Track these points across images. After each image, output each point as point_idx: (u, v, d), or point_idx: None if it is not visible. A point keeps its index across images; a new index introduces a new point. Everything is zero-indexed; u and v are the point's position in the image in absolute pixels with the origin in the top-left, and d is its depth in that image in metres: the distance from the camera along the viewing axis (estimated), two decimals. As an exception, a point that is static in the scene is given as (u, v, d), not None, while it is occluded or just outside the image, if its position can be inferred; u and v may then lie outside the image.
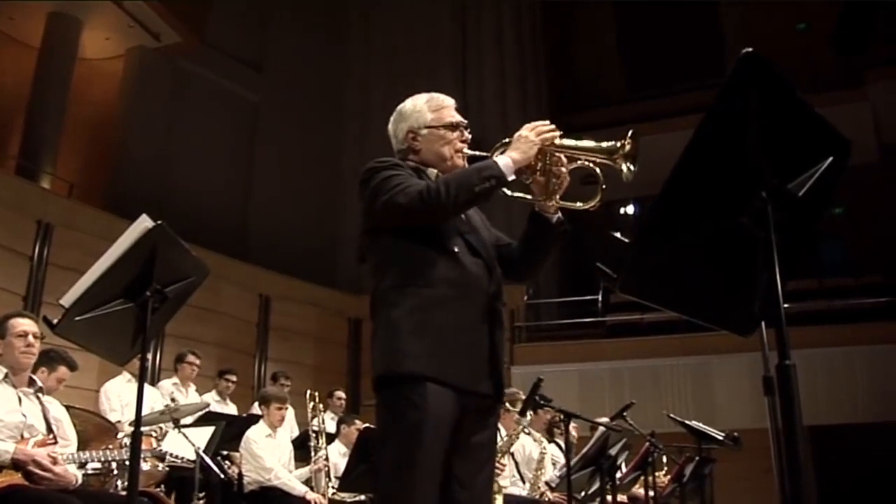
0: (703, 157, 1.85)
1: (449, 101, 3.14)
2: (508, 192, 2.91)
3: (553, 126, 2.91)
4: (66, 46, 13.54)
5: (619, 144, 2.75)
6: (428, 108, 3.09)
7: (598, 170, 2.86)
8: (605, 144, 2.80)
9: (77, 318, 3.26)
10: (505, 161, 2.80)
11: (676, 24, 18.44)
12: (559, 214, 3.00)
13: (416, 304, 2.76)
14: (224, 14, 15.36)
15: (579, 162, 2.88)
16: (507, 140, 2.92)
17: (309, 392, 7.96)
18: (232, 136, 15.53)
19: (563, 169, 2.90)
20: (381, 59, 17.57)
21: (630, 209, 19.00)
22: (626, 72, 19.71)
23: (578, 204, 2.96)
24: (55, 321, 3.30)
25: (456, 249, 2.86)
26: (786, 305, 1.84)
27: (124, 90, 14.37)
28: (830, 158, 1.96)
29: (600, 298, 14.87)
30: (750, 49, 1.81)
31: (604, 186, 2.89)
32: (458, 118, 3.10)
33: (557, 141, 2.88)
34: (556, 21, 19.57)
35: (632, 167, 2.75)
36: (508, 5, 18.31)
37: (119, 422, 6.91)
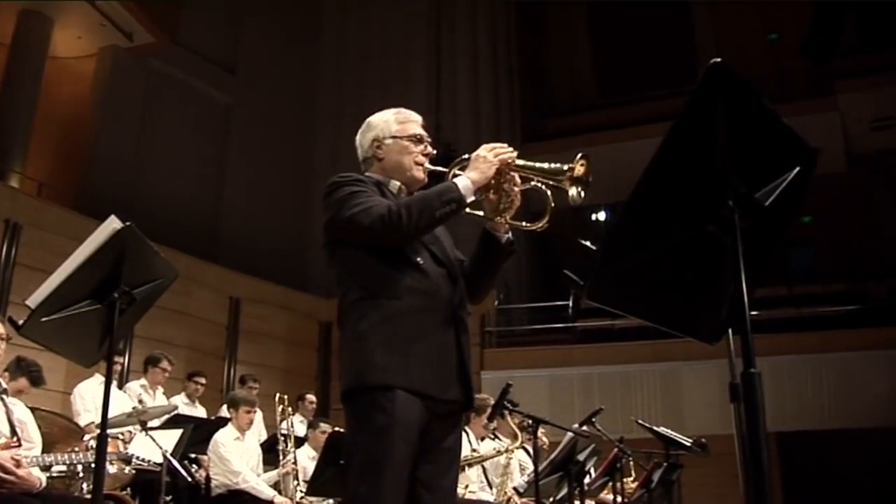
0: (670, 166, 1.86)
1: (416, 117, 3.21)
2: None
3: (510, 148, 2.96)
4: (38, 45, 13.41)
5: (566, 168, 2.79)
6: (395, 119, 3.16)
7: (548, 192, 2.90)
8: (554, 167, 2.84)
9: (43, 319, 3.24)
10: (464, 182, 2.85)
11: (650, 32, 18.57)
12: (509, 235, 3.06)
13: (384, 316, 2.80)
14: (197, 15, 15.28)
15: (532, 183, 2.92)
16: (465, 156, 2.97)
17: (278, 395, 7.93)
18: (204, 137, 15.45)
19: (516, 188, 2.94)
20: (355, 62, 17.56)
21: (602, 215, 19.07)
22: (600, 78, 19.81)
23: (526, 224, 3.03)
24: (21, 322, 3.27)
25: (420, 260, 2.90)
26: (754, 313, 1.86)
27: (96, 90, 14.24)
28: (797, 168, 1.97)
29: (571, 304, 14.93)
30: (718, 59, 1.83)
31: (552, 205, 2.92)
32: (422, 132, 3.16)
33: (514, 162, 2.93)
34: (530, 27, 19.64)
35: (581, 192, 2.80)
36: (482, 10, 18.36)
37: (91, 423, 6.85)
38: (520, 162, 2.93)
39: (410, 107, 3.25)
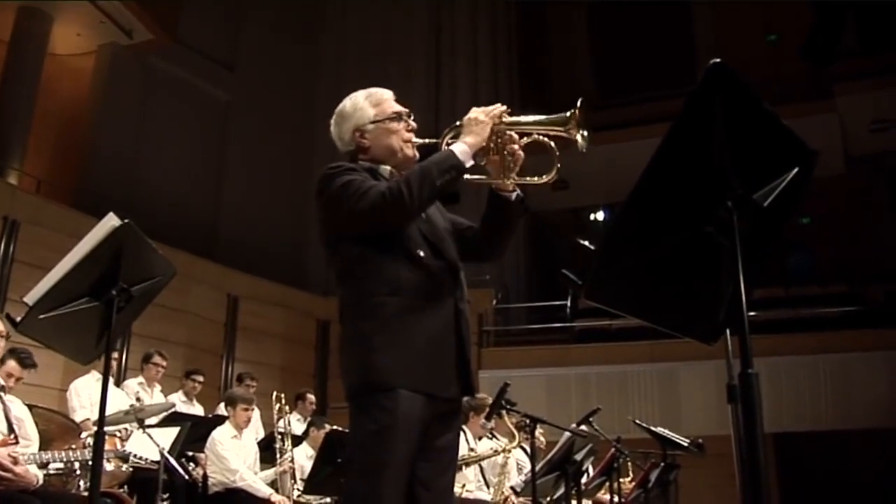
0: (669, 166, 1.86)
1: (388, 94, 3.13)
2: (465, 175, 2.90)
3: (500, 103, 2.92)
4: (37, 42, 13.38)
5: (568, 114, 2.77)
6: (369, 103, 3.07)
7: (552, 143, 2.86)
8: (554, 116, 2.81)
9: (41, 317, 3.23)
10: (461, 148, 2.80)
11: (649, 33, 18.56)
12: (518, 192, 3.00)
13: (385, 315, 2.76)
14: (196, 12, 15.24)
15: (533, 137, 2.88)
16: (457, 123, 2.92)
17: (275, 393, 7.93)
18: (202, 135, 15.43)
19: (517, 146, 2.89)
20: (355, 61, 17.52)
21: (600, 215, 19.08)
22: (599, 79, 19.80)
23: (535, 178, 2.96)
24: (18, 319, 3.27)
25: (421, 254, 2.86)
26: (752, 314, 1.86)
27: (95, 87, 14.22)
28: (796, 169, 1.97)
29: (569, 304, 14.93)
30: (718, 59, 1.83)
31: (558, 165, 2.89)
32: (399, 108, 3.08)
33: (507, 118, 2.88)
34: (530, 27, 19.64)
35: (585, 134, 2.76)
36: (483, 10, 18.35)
37: (87, 420, 6.86)
38: (515, 118, 2.89)
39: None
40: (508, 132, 2.88)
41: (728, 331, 2.10)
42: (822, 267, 17.33)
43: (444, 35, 18.20)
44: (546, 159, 2.93)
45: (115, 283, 3.26)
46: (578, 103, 2.77)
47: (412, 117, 3.11)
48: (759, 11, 17.69)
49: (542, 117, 2.85)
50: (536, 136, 2.87)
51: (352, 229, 2.85)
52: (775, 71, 16.06)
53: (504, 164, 2.91)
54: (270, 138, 16.07)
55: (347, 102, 3.12)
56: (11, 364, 5.14)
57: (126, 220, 3.26)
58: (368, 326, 2.76)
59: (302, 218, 15.63)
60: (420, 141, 3.05)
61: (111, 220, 3.25)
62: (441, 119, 16.30)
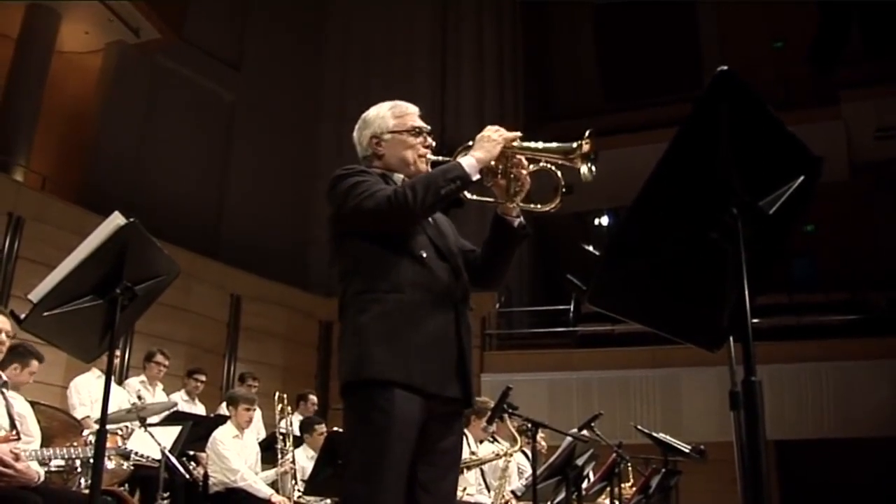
0: (674, 172, 1.86)
1: (412, 109, 3.18)
2: (469, 195, 2.94)
3: (515, 130, 2.95)
4: (45, 39, 13.40)
5: (575, 145, 2.78)
6: (391, 114, 3.12)
7: (558, 172, 2.90)
8: (562, 145, 2.83)
9: (45, 314, 3.23)
10: (469, 161, 2.84)
11: (655, 37, 18.55)
12: (521, 218, 3.03)
13: (384, 310, 2.78)
14: (203, 11, 15.27)
15: (540, 164, 2.91)
16: (469, 143, 2.96)
17: (277, 394, 7.92)
18: (207, 134, 15.42)
19: (524, 171, 2.93)
20: (360, 61, 17.54)
21: (605, 220, 19.08)
22: (604, 83, 19.79)
23: (538, 206, 2.99)
24: (23, 316, 3.27)
25: (424, 254, 2.89)
26: (755, 320, 1.85)
27: (101, 85, 14.23)
28: (802, 177, 1.97)
29: (572, 308, 14.91)
30: (725, 67, 1.83)
31: (563, 190, 2.91)
32: (420, 124, 3.13)
33: (517, 143, 2.91)
34: (535, 30, 19.63)
35: (592, 168, 2.78)
36: (488, 12, 18.35)
37: (87, 417, 6.87)
38: (526, 143, 2.92)
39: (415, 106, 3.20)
40: (518, 156, 2.92)
41: (731, 337, 2.10)
42: (825, 274, 17.30)
43: (449, 36, 18.19)
44: (548, 183, 2.95)
45: (119, 281, 3.27)
46: (587, 134, 2.80)
47: (432, 136, 3.16)
48: (765, 17, 17.69)
49: (553, 145, 2.87)
50: (544, 165, 2.90)
51: (355, 226, 2.88)
52: (780, 77, 16.06)
53: (509, 189, 2.96)
54: (274, 138, 16.09)
55: (372, 110, 3.17)
56: (35, 364, 5.13)
57: (131, 219, 3.27)
58: (366, 321, 2.78)
59: (305, 218, 15.65)
60: (434, 158, 3.09)
61: (116, 219, 3.25)
62: (445, 119, 16.31)
